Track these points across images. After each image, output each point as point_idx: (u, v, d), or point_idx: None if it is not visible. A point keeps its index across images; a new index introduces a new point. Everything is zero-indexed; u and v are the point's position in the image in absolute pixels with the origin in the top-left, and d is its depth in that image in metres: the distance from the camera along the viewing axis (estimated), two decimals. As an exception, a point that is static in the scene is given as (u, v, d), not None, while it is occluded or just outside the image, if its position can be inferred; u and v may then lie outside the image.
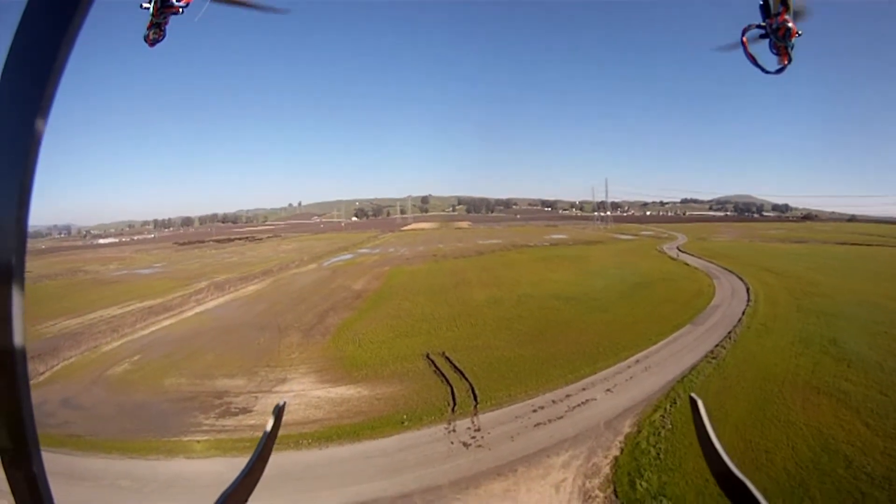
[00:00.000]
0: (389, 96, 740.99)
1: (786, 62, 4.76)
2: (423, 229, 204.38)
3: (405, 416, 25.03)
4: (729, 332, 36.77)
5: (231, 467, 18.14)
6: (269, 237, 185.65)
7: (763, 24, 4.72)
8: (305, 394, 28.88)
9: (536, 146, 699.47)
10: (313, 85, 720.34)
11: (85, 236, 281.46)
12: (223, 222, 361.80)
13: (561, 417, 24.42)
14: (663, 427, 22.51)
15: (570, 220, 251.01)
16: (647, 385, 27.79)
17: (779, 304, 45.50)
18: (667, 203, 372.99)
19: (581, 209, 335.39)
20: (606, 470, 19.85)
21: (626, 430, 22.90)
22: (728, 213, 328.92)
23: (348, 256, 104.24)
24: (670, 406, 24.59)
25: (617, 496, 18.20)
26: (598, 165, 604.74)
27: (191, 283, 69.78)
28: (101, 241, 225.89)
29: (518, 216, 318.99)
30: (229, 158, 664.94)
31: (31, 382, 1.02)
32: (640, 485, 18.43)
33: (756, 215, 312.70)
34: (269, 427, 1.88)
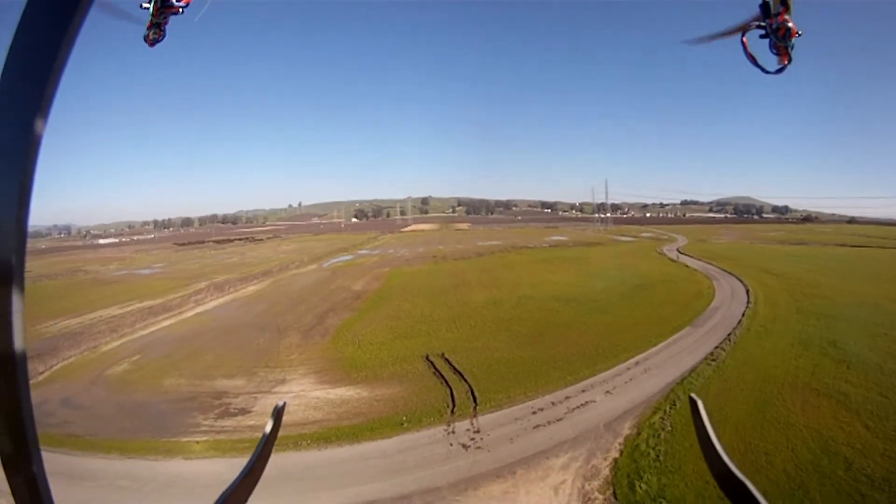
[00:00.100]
0: (389, 97, 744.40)
1: (786, 62, 4.76)
2: (422, 230, 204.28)
3: (404, 418, 25.00)
4: (728, 334, 36.74)
5: (230, 468, 18.14)
6: (268, 238, 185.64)
7: (763, 23, 4.72)
8: (305, 395, 28.85)
9: (536, 147, 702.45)
10: (313, 85, 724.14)
11: (85, 236, 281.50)
12: (223, 223, 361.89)
13: (560, 419, 24.39)
14: (663, 429, 22.48)
15: (570, 222, 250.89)
16: (647, 387, 27.76)
17: (778, 306, 45.49)
18: (667, 205, 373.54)
19: (581, 211, 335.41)
20: (606, 472, 19.82)
21: (626, 432, 22.87)
22: (728, 214, 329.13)
23: (348, 257, 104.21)
24: (670, 408, 24.57)
25: (616, 498, 18.17)
26: (598, 167, 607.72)
27: (190, 284, 69.74)
28: (101, 241, 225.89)
29: (518, 217, 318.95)
30: (229, 159, 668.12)
31: (31, 382, 1.02)
32: (640, 487, 18.40)
33: (756, 217, 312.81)
34: (268, 427, 1.87)
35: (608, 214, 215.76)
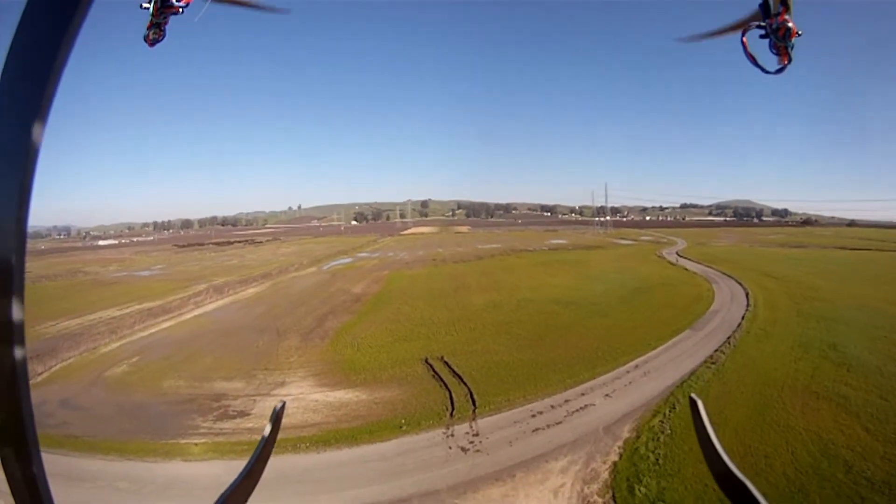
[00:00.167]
0: (390, 99, 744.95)
1: (786, 62, 4.76)
2: (422, 233, 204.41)
3: (403, 421, 24.94)
4: (728, 337, 36.74)
5: (228, 470, 18.08)
6: (268, 240, 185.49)
7: (763, 23, 4.72)
8: (304, 397, 28.79)
9: (536, 150, 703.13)
10: (314, 86, 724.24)
11: (84, 237, 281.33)
12: (223, 225, 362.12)
13: (560, 422, 24.34)
14: (662, 432, 22.44)
15: (570, 225, 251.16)
16: (647, 390, 27.72)
17: (778, 309, 45.48)
18: (666, 208, 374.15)
19: (581, 214, 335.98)
20: (605, 475, 19.77)
21: (625, 435, 22.83)
22: (727, 217, 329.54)
23: (348, 260, 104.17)
24: (669, 411, 24.53)
25: (615, 502, 18.13)
26: (597, 170, 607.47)
27: (190, 286, 69.65)
28: (101, 242, 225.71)
29: (518, 221, 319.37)
30: (229, 161, 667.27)
31: (30, 383, 1.02)
32: (639, 490, 18.35)
33: (756, 220, 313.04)
34: (267, 429, 1.87)
35: (608, 218, 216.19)
